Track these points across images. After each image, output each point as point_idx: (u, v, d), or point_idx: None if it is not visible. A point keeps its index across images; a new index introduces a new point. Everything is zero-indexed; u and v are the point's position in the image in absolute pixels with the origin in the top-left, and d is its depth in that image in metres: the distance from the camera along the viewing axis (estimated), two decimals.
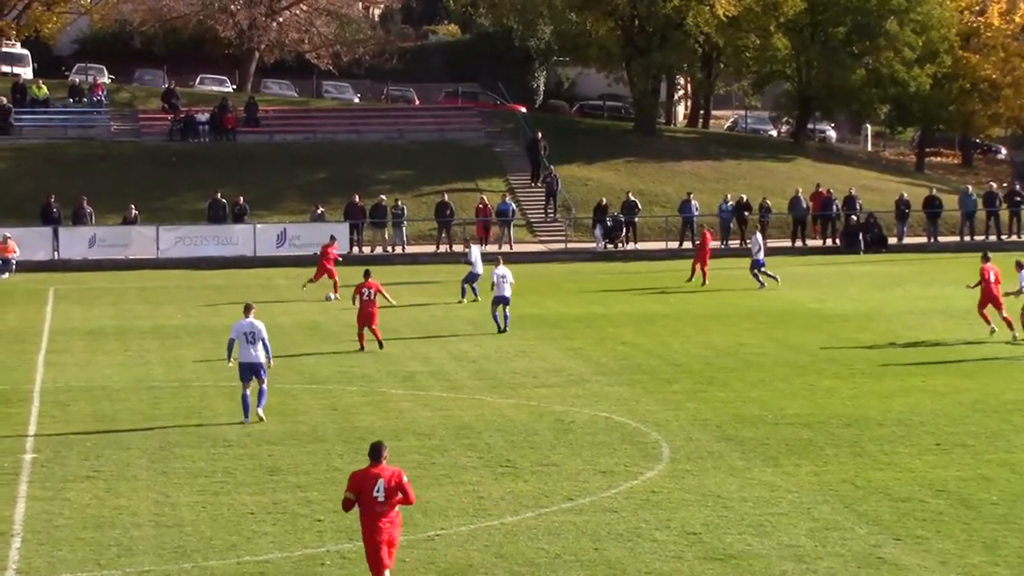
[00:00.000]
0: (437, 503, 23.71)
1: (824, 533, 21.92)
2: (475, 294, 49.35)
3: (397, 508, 18.74)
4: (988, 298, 39.77)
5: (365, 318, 39.26)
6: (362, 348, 39.29)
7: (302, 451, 27.61)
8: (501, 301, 42.70)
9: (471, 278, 49.45)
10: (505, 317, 42.67)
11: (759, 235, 57.29)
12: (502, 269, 43.05)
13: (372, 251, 67.18)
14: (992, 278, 39.69)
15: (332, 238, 54.89)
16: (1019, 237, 70.54)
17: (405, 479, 18.74)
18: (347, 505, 18.91)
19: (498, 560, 20.90)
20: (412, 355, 38.78)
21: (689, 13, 79.57)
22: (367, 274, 40.00)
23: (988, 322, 39.85)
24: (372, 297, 39.33)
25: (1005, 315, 39.58)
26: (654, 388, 33.76)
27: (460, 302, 48.88)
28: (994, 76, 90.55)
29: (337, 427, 29.77)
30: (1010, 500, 23.43)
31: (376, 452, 18.79)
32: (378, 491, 18.51)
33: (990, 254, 41.47)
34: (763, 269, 53.12)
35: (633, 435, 28.78)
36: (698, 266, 54.66)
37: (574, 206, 72.11)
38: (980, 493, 23.89)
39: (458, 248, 65.30)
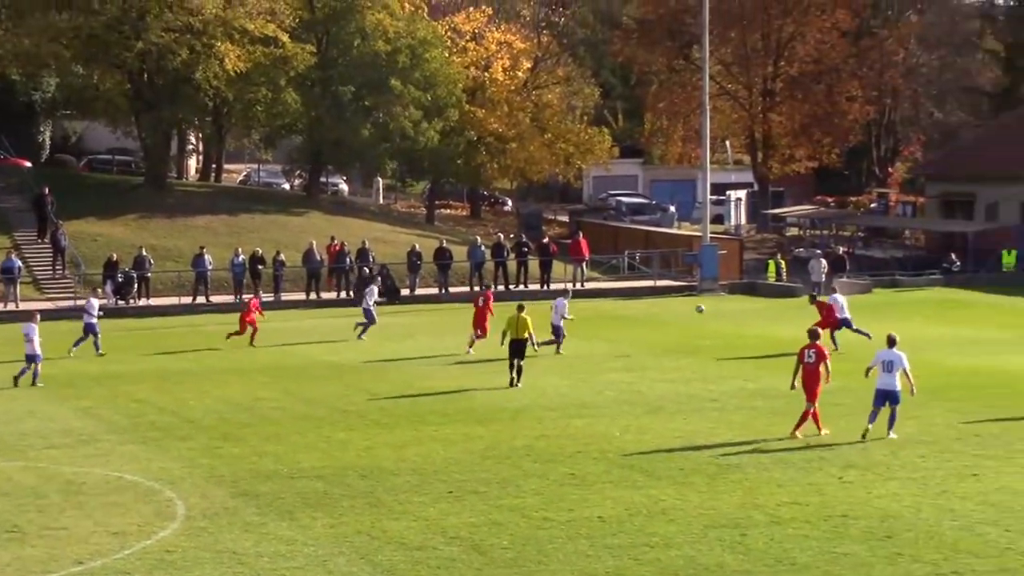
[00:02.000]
0: None
1: None
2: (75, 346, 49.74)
3: None
4: (477, 321, 48.98)
5: None
6: None
7: None
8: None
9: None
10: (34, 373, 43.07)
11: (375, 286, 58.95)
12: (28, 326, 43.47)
13: None
14: (481, 303, 49.54)
15: None
16: (526, 287, 72.88)
17: None
18: None
19: None
20: None
21: (199, 67, 79.02)
22: None
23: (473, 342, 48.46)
24: None
25: (476, 338, 48.55)
26: (168, 445, 33.19)
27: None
28: (500, 130, 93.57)
29: None
30: (520, 544, 24.00)
31: None
32: None
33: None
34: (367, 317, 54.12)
35: (147, 494, 28.18)
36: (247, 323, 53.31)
37: (83, 262, 70.42)
38: (491, 538, 24.39)
39: None
